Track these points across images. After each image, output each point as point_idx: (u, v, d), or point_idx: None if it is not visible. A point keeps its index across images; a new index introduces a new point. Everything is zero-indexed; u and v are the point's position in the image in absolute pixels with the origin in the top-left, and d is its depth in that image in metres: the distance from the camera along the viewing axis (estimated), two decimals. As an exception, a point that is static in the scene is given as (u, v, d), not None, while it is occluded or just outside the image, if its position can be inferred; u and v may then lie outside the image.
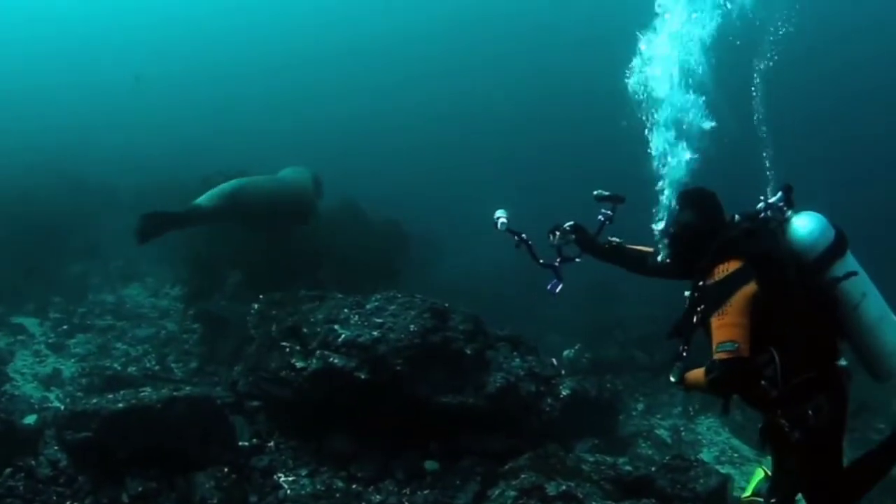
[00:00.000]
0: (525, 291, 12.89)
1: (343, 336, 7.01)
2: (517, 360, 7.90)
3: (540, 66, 37.85)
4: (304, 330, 7.32)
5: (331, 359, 6.93)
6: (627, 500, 6.33)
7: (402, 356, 6.92)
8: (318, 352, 7.05)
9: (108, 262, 14.81)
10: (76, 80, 35.25)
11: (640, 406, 12.28)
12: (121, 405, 6.48)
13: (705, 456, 11.14)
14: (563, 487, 6.08)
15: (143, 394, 6.78)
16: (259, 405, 7.63)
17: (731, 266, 4.08)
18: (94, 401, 6.66)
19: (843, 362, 4.27)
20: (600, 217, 5.07)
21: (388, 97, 38.44)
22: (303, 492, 6.61)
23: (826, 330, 4.22)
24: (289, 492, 6.60)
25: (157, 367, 10.23)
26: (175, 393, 6.87)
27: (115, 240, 14.58)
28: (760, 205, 4.39)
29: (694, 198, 4.53)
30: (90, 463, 6.46)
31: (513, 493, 6.15)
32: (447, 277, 14.11)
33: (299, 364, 7.13)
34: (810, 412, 4.06)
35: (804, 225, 4.25)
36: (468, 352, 7.34)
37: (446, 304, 7.57)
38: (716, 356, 3.91)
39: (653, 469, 7.02)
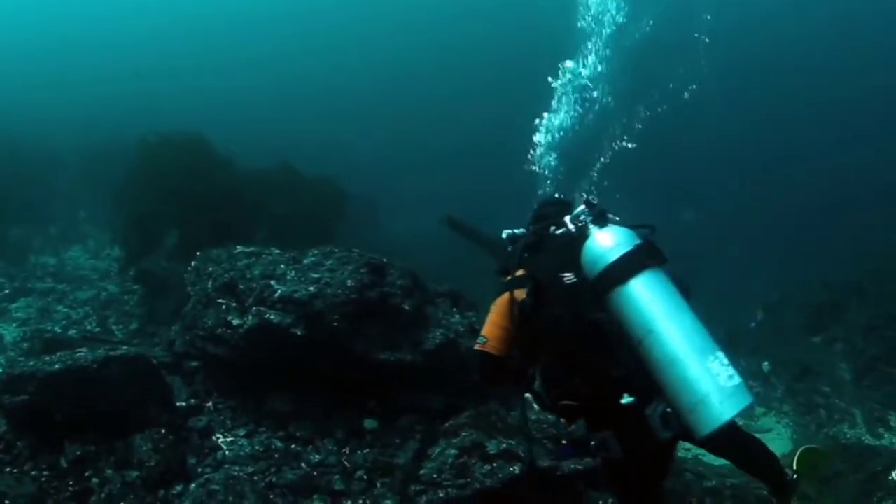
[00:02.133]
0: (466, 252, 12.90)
1: (279, 292, 6.89)
2: (457, 316, 7.81)
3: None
4: (241, 286, 7.17)
5: (267, 315, 6.81)
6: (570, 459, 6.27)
7: (339, 312, 6.81)
8: (253, 308, 6.92)
9: (49, 225, 14.59)
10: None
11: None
12: (57, 366, 6.37)
13: (647, 414, 11.31)
14: (504, 445, 6.07)
15: (78, 354, 6.62)
16: (198, 365, 7.52)
17: (518, 273, 4.08)
18: (31, 363, 6.53)
19: (625, 400, 3.70)
20: None
21: (346, 57, 38.34)
22: (241, 453, 6.51)
23: (594, 358, 3.83)
24: (227, 453, 6.50)
25: (97, 330, 10.09)
26: (111, 353, 6.72)
27: (56, 202, 14.40)
28: (568, 217, 4.17)
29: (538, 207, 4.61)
30: (29, 427, 6.33)
31: (453, 452, 6.13)
32: (388, 235, 14.12)
33: (235, 321, 7.00)
34: (593, 445, 3.87)
35: (594, 241, 3.89)
36: (406, 308, 7.23)
37: (384, 260, 7.47)
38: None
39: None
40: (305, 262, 7.34)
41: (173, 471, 6.19)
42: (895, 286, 14.12)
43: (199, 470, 6.23)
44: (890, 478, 5.26)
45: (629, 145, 5.23)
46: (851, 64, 35.83)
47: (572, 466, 6.29)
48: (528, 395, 4.07)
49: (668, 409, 3.66)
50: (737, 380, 3.54)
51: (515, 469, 5.97)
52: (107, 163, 14.00)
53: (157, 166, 12.10)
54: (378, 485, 6.37)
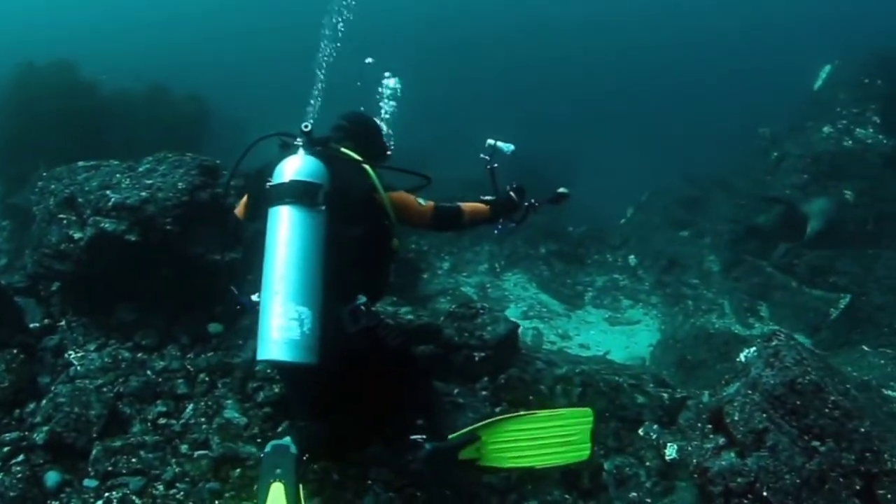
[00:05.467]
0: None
1: (113, 200, 6.83)
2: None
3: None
4: (79, 199, 7.08)
5: (102, 224, 6.76)
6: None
7: (171, 215, 6.81)
8: (91, 219, 6.86)
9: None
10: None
11: (446, 265, 12.49)
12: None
13: (513, 312, 11.48)
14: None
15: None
16: (56, 289, 7.44)
17: None
18: None
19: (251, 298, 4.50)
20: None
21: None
22: (92, 366, 6.48)
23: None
24: (79, 368, 6.45)
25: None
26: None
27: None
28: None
29: None
30: None
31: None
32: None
33: (77, 235, 6.93)
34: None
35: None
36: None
37: (218, 161, 7.44)
38: None
39: (441, 319, 7.02)
40: (140, 169, 7.29)
41: (26, 390, 6.15)
42: (760, 178, 14.48)
43: (53, 388, 6.19)
44: (738, 359, 5.47)
45: None
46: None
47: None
48: None
49: None
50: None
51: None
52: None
53: (23, 95, 11.90)
54: (219, 385, 6.45)
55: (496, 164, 5.43)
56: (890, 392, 7.69)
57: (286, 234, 4.15)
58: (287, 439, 4.56)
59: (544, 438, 5.11)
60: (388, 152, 5.41)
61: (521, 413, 5.30)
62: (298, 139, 4.49)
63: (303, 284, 4.09)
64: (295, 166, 4.31)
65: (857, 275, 11.79)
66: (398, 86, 5.66)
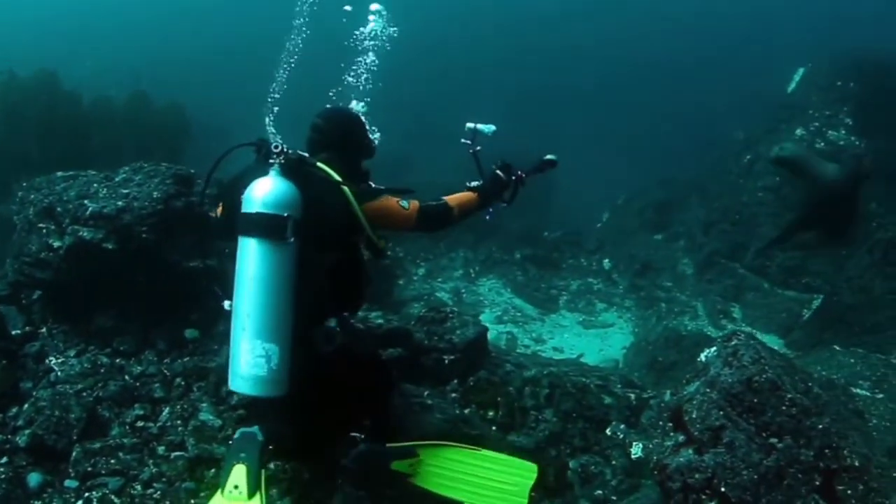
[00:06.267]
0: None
1: (90, 209, 7.00)
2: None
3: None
4: (58, 209, 7.24)
5: (80, 233, 6.93)
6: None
7: (147, 223, 6.98)
8: (69, 228, 7.03)
9: None
10: None
11: (421, 271, 12.59)
12: None
13: (487, 316, 11.56)
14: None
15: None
16: (37, 297, 7.56)
17: None
18: None
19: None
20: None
21: None
22: (72, 372, 6.66)
23: None
24: (59, 374, 6.62)
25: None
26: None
27: None
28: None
29: None
30: None
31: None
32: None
33: (56, 244, 7.09)
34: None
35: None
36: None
37: (192, 171, 7.61)
38: None
39: (412, 323, 7.18)
40: (117, 179, 7.45)
41: (9, 395, 6.34)
42: (734, 181, 14.59)
43: (34, 392, 6.35)
44: (699, 359, 5.57)
45: None
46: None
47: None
48: None
49: None
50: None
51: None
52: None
53: (4, 104, 11.96)
54: (195, 389, 6.62)
55: (479, 148, 5.37)
56: (859, 390, 7.82)
57: (252, 270, 4.16)
58: (255, 427, 4.68)
59: (482, 479, 5.20)
60: (373, 147, 5.21)
61: (468, 447, 5.38)
62: (272, 159, 4.36)
63: (269, 322, 4.14)
64: (263, 192, 4.22)
65: (830, 275, 11.88)
66: (364, 110, 5.60)
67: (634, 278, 14.07)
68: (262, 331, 4.13)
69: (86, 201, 7.12)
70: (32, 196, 7.68)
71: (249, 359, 4.12)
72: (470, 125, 5.35)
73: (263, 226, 4.16)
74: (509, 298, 12.91)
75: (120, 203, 7.03)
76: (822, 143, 14.10)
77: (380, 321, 7.18)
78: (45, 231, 7.27)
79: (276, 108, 5.36)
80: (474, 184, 5.23)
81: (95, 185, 7.38)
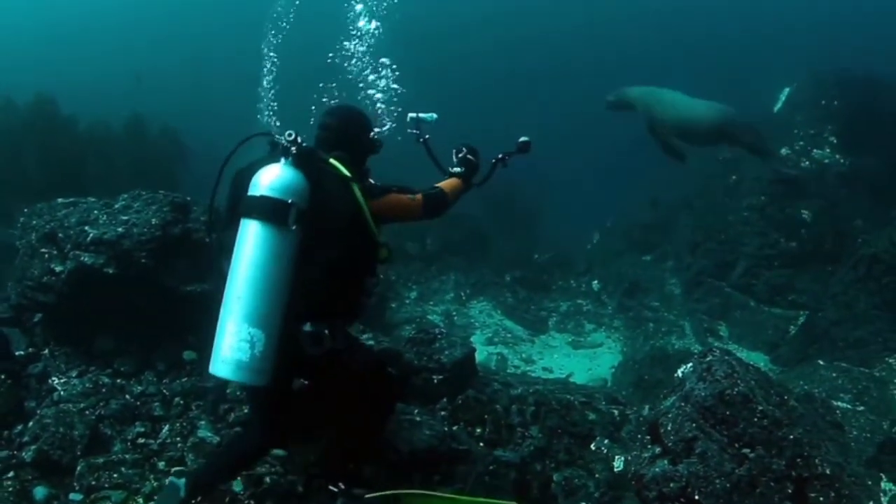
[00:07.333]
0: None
1: (91, 235, 7.24)
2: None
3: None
4: (60, 235, 7.47)
5: (82, 258, 7.16)
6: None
7: (146, 249, 7.22)
8: (71, 253, 7.26)
9: None
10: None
11: (413, 294, 12.73)
12: None
13: (478, 338, 11.71)
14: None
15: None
16: (38, 320, 7.77)
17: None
18: None
19: None
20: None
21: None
22: (74, 391, 6.88)
23: None
24: (62, 393, 6.84)
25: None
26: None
27: None
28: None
29: None
30: None
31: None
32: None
33: (58, 268, 7.32)
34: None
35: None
36: (209, 241, 7.55)
37: (188, 198, 7.85)
38: None
39: (403, 344, 7.40)
40: (116, 206, 7.70)
41: (14, 413, 6.61)
42: (720, 201, 14.69)
43: (39, 411, 6.58)
44: (676, 374, 5.76)
45: None
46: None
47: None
48: None
49: None
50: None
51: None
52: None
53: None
54: (193, 407, 6.88)
55: (427, 136, 5.41)
56: (840, 403, 8.04)
57: (249, 253, 4.10)
58: (182, 480, 4.76)
59: None
60: (378, 143, 5.15)
61: (447, 494, 5.38)
62: (286, 144, 4.30)
63: (258, 306, 4.06)
64: (271, 178, 4.19)
65: (815, 292, 12.03)
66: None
67: (623, 299, 14.19)
68: (250, 315, 4.05)
69: (87, 227, 7.36)
70: (34, 222, 7.92)
71: (233, 342, 4.04)
72: (412, 115, 5.42)
73: (266, 209, 4.12)
74: (500, 320, 13.06)
75: (120, 229, 7.28)
76: (807, 162, 14.29)
77: (371, 342, 7.40)
78: (47, 256, 7.50)
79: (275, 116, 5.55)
80: (456, 170, 5.38)
81: (96, 211, 7.62)
